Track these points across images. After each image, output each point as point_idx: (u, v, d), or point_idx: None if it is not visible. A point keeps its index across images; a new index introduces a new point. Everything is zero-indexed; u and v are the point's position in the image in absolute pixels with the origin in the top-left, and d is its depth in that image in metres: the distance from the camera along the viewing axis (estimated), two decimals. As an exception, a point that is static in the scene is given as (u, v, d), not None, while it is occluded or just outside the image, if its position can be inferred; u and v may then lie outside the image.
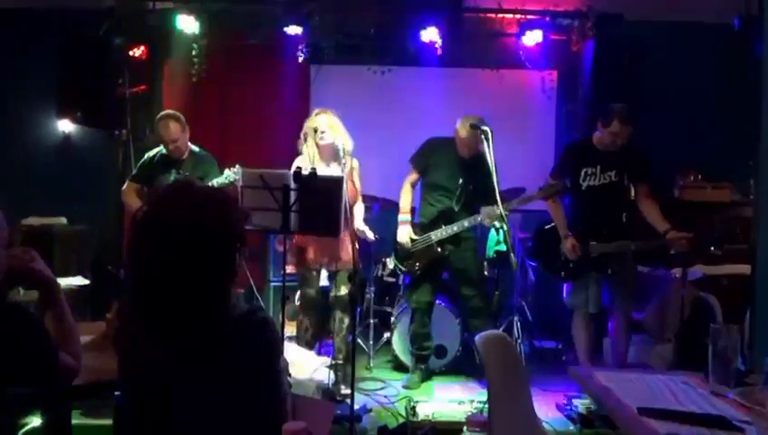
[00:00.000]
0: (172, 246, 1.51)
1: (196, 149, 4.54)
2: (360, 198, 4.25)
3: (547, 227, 4.23)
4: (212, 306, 1.55)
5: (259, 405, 1.54)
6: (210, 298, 1.55)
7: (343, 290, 4.03)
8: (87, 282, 4.86)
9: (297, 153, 4.17)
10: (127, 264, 1.58)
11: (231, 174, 4.24)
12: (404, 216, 4.36)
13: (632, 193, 4.11)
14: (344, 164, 3.88)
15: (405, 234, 4.31)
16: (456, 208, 4.27)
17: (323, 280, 4.13)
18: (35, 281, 1.81)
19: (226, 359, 1.52)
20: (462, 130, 4.16)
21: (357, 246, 3.96)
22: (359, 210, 4.21)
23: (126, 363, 1.61)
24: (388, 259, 5.02)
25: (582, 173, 4.01)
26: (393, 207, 4.92)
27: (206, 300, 1.54)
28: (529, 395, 2.34)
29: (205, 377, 1.51)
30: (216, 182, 4.23)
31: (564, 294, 4.20)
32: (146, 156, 4.58)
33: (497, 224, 4.01)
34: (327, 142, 4.02)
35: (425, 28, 5.31)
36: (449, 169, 4.28)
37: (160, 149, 4.49)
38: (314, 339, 4.19)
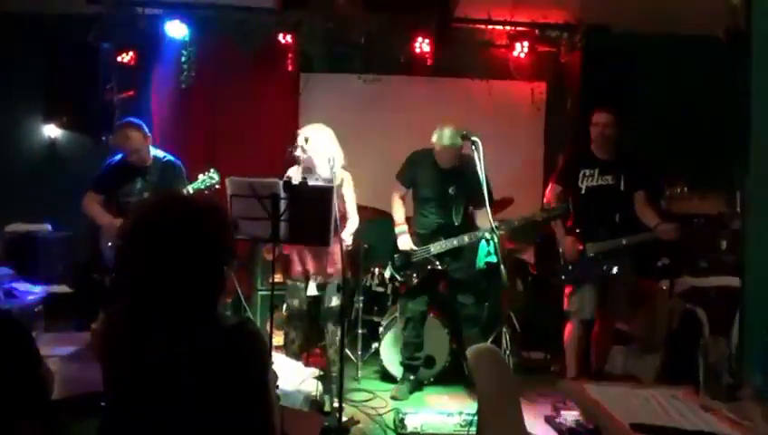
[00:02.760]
0: (158, 258, 1.50)
1: (159, 154, 4.36)
2: (351, 215, 4.14)
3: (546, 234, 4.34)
4: (200, 318, 1.54)
5: (248, 418, 1.53)
6: (198, 310, 1.54)
7: (334, 301, 4.00)
8: (71, 290, 4.79)
9: (286, 161, 4.13)
10: (116, 275, 1.57)
11: (207, 178, 4.17)
12: (401, 227, 4.37)
13: (629, 199, 4.17)
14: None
15: (406, 242, 4.32)
16: (457, 223, 4.27)
17: (311, 290, 4.09)
18: None
19: (214, 371, 1.50)
20: (436, 142, 4.15)
21: (345, 257, 3.93)
22: (350, 224, 4.14)
23: (112, 375, 1.58)
24: (377, 269, 5.00)
25: (581, 175, 4.15)
26: (382, 216, 4.90)
27: (193, 312, 1.53)
28: (519, 408, 2.34)
29: (192, 389, 1.49)
30: (191, 188, 4.15)
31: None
32: (106, 164, 4.35)
33: (488, 235, 4.01)
34: (304, 157, 3.96)
35: (415, 38, 5.34)
36: (432, 180, 4.30)
37: (120, 157, 4.29)
38: (301, 350, 4.15)
